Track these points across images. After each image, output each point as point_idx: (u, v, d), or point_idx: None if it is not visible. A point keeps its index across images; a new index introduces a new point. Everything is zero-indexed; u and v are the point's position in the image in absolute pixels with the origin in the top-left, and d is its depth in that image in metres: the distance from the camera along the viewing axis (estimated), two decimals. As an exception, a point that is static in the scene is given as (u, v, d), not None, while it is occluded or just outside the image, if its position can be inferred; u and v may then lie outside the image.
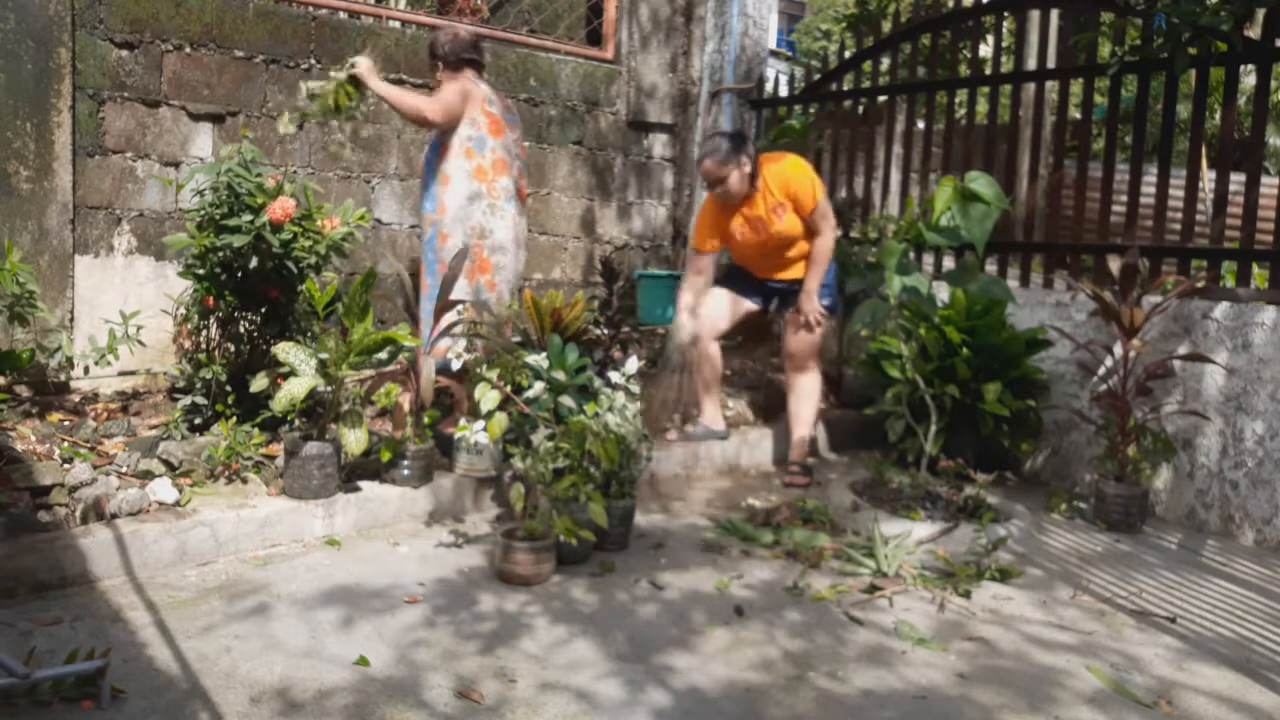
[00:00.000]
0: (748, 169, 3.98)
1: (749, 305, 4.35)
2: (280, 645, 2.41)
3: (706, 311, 4.24)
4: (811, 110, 5.79)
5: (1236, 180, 6.28)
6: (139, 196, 4.24)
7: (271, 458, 3.38)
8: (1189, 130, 4.32)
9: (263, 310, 3.68)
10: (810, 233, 4.07)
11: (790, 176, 4.02)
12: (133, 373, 4.17)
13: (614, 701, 2.24)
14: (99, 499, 2.87)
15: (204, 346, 3.72)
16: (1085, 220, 4.89)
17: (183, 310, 3.74)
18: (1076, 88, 8.15)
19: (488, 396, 3.20)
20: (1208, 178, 7.56)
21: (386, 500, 3.35)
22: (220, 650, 2.36)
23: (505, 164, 3.78)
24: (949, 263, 4.98)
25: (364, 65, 3.62)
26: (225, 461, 3.24)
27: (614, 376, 3.47)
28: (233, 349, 3.71)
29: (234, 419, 3.49)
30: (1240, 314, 3.75)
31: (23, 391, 3.88)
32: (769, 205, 4.04)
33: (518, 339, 3.74)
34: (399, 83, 4.92)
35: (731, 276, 4.41)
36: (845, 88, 5.61)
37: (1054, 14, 5.93)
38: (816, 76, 5.80)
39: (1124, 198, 4.40)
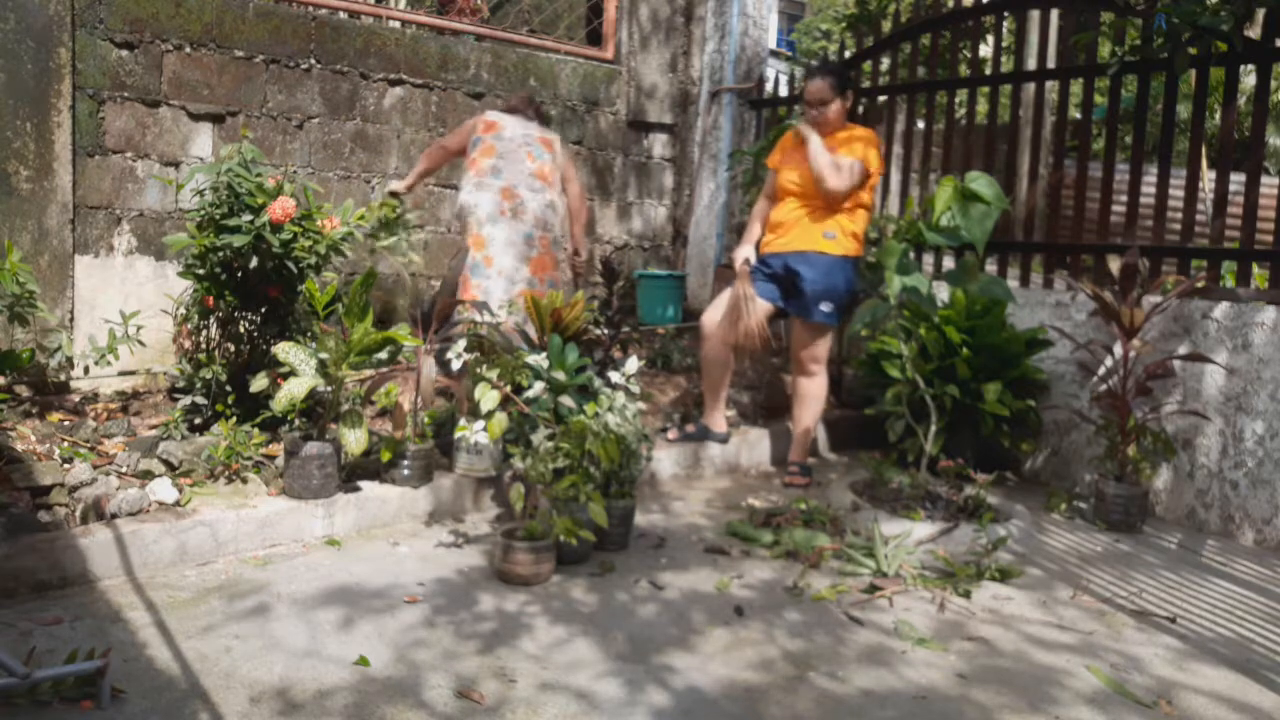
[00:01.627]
0: (847, 104, 4.17)
1: (764, 305, 4.33)
2: (280, 645, 2.41)
3: (723, 314, 4.21)
4: (812, 110, 5.78)
5: (1236, 180, 6.28)
6: (139, 196, 4.24)
7: (271, 458, 3.38)
8: (1189, 130, 4.32)
9: (263, 310, 3.68)
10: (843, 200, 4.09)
11: (864, 138, 4.14)
12: (133, 373, 4.17)
13: (614, 701, 2.24)
14: (99, 499, 2.87)
15: (204, 346, 3.72)
16: (1085, 220, 4.89)
17: (183, 310, 3.74)
18: (1076, 88, 8.15)
19: (488, 396, 3.20)
20: (1208, 178, 7.56)
21: (386, 500, 3.35)
22: (220, 650, 2.36)
23: (492, 148, 4.17)
24: (949, 263, 4.98)
25: (395, 185, 4.45)
26: (225, 461, 3.24)
27: (614, 376, 3.47)
28: (233, 349, 3.71)
29: (234, 419, 3.49)
30: (1240, 314, 3.75)
31: (23, 391, 3.88)
32: (835, 146, 4.10)
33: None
34: (399, 82, 4.93)
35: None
36: (845, 88, 5.61)
37: (1054, 14, 5.93)
38: (817, 76, 5.80)
39: (1124, 198, 4.40)
